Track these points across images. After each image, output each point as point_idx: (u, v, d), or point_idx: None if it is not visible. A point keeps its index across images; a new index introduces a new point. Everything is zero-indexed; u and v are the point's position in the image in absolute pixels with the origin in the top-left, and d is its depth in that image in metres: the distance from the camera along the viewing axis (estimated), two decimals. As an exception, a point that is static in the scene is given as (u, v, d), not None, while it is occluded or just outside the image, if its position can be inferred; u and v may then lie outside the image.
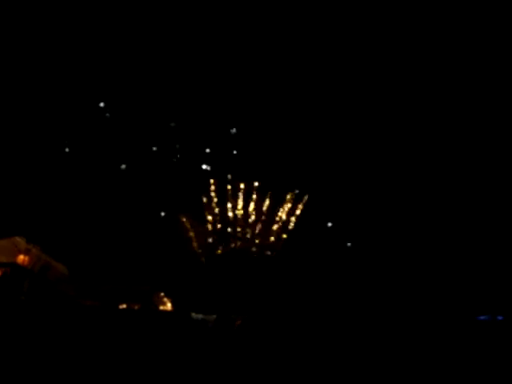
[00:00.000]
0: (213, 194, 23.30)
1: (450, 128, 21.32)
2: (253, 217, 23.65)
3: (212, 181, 23.26)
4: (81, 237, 20.91)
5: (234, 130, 24.00)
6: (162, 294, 21.78)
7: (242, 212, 23.63)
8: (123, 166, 23.28)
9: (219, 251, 23.36)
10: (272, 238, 23.68)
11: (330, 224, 23.28)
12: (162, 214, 24.06)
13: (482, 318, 15.61)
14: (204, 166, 24.03)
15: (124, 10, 21.25)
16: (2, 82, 20.70)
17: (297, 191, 23.72)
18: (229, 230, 23.66)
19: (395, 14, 21.08)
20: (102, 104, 22.19)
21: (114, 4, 21.07)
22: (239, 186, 23.38)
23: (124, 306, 18.83)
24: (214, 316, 14.76)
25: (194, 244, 23.46)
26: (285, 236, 23.68)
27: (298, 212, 23.73)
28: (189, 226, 23.40)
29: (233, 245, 23.52)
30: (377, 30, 21.34)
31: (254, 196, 23.62)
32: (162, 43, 22.11)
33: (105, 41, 21.54)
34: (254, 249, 23.37)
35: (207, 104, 22.99)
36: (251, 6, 21.36)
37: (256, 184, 23.36)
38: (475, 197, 20.93)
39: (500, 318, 15.39)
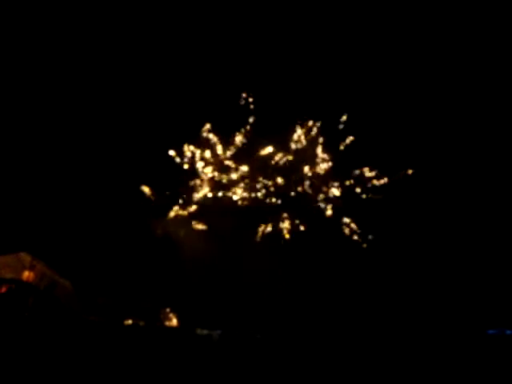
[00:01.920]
0: None
1: (450, 128, 21.25)
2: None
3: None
4: (86, 252, 20.88)
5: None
6: (168, 309, 21.71)
7: None
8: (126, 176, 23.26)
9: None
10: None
11: None
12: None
13: (491, 332, 15.47)
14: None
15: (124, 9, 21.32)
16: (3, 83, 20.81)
17: None
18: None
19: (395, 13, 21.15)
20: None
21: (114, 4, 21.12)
22: None
23: (129, 321, 18.78)
24: (219, 331, 14.70)
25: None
26: None
27: None
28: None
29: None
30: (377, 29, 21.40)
31: None
32: (163, 44, 22.13)
33: (105, 41, 21.59)
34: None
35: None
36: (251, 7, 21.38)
37: None
38: (486, 206, 20.78)
39: (509, 332, 15.24)
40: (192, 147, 22.12)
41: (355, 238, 21.44)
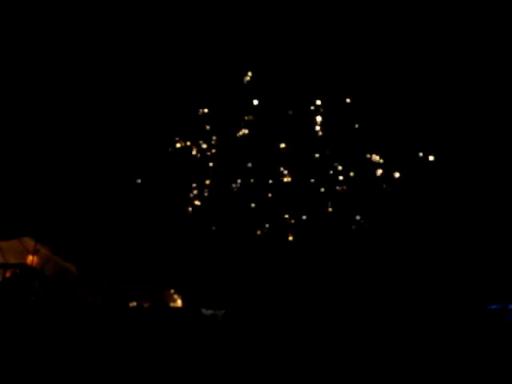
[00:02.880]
0: None
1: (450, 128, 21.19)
2: None
3: None
4: (89, 236, 20.98)
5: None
6: (172, 290, 21.88)
7: None
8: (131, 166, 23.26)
9: None
10: None
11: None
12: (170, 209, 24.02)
13: (493, 306, 15.51)
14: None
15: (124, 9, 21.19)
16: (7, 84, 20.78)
17: None
18: None
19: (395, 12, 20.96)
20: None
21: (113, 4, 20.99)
22: None
23: (134, 303, 18.93)
24: (223, 311, 14.79)
25: None
26: None
27: None
28: None
29: None
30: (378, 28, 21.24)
31: None
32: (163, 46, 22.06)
33: (105, 41, 21.50)
34: None
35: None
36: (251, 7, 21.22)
37: None
38: (489, 185, 20.77)
39: (512, 306, 15.29)
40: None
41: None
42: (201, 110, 22.53)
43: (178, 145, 22.73)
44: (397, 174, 21.54)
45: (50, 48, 21.14)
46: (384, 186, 21.66)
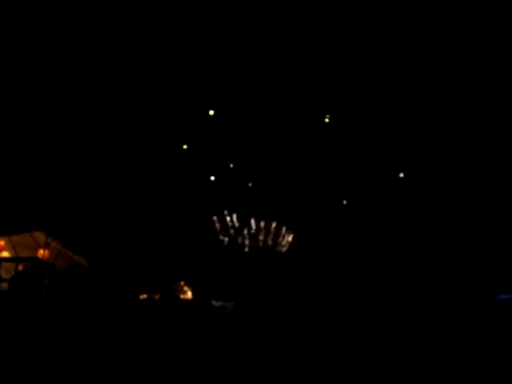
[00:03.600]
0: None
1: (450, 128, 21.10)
2: None
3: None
4: (100, 229, 21.12)
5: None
6: (183, 282, 21.99)
7: None
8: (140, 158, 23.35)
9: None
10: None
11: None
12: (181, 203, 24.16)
13: (502, 296, 15.47)
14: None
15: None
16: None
17: None
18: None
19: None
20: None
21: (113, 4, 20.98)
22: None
23: (145, 296, 19.07)
24: (233, 303, 14.89)
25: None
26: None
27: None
28: None
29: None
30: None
31: None
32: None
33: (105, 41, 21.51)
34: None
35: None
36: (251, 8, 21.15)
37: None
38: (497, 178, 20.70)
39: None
40: None
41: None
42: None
43: (185, 146, 22.92)
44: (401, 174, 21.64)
45: (61, 50, 21.20)
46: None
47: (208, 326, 10.30)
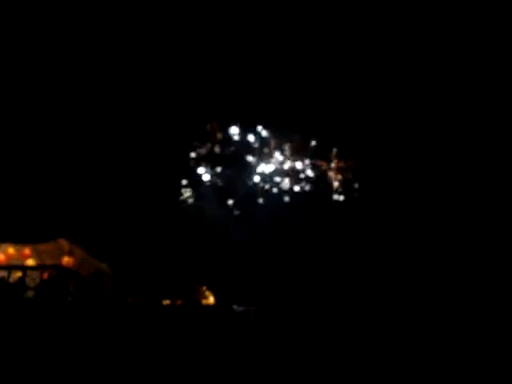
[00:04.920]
0: None
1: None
2: None
3: None
4: (122, 235, 21.30)
5: None
6: (205, 287, 22.05)
7: None
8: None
9: None
10: None
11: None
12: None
13: None
14: None
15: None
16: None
17: None
18: None
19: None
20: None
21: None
22: None
23: (167, 301, 19.17)
24: (255, 307, 14.90)
25: None
26: None
27: None
28: None
29: None
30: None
31: None
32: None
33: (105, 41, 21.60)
34: None
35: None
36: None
37: None
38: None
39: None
40: None
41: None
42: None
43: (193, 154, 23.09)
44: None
45: (61, 50, 21.32)
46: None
47: (230, 334, 10.35)
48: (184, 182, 24.15)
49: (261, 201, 23.39)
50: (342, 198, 23.20)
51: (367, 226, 21.73)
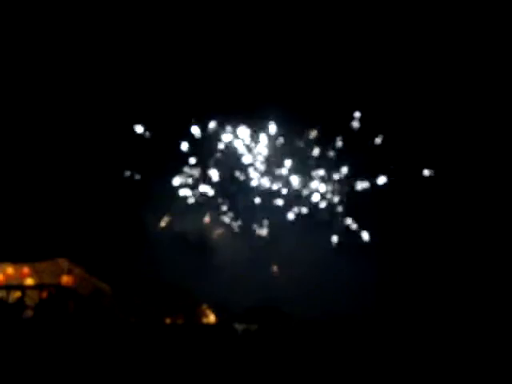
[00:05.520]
0: None
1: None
2: None
3: None
4: (121, 253, 21.21)
5: None
6: (205, 306, 21.92)
7: None
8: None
9: None
10: None
11: None
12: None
13: None
14: None
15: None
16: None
17: None
18: None
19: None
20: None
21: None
22: None
23: (168, 320, 19.04)
24: (256, 326, 14.79)
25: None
26: None
27: None
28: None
29: None
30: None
31: None
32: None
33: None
34: None
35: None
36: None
37: None
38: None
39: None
40: None
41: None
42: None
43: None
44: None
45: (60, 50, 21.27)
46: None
47: (231, 353, 10.24)
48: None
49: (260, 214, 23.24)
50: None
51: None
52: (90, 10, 21.13)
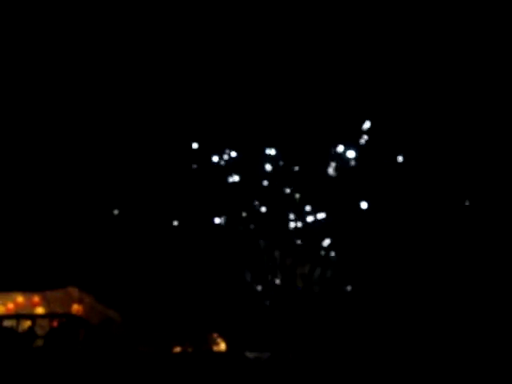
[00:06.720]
0: None
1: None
2: None
3: None
4: (132, 282, 21.17)
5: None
6: (216, 334, 21.73)
7: None
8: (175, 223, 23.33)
9: None
10: None
11: None
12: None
13: None
14: None
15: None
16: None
17: None
18: None
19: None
20: None
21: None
22: None
23: (178, 349, 18.88)
24: (268, 353, 14.63)
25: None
26: None
27: None
28: None
29: None
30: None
31: None
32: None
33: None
34: None
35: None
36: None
37: None
38: None
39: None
40: None
41: None
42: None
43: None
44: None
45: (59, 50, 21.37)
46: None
47: (242, 381, 10.14)
48: None
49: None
50: None
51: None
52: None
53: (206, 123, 22.17)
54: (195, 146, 22.16)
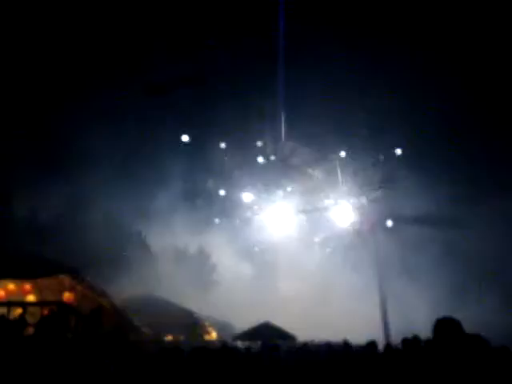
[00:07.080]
0: None
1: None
2: None
3: None
4: (123, 270, 21.19)
5: None
6: (207, 323, 21.80)
7: None
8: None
9: None
10: None
11: None
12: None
13: None
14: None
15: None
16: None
17: None
18: None
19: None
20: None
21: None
22: None
23: (169, 337, 18.94)
24: (260, 342, 14.65)
25: None
26: None
27: None
28: None
29: None
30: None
31: None
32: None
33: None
34: None
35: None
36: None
37: None
38: None
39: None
40: None
41: None
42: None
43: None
44: None
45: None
46: None
47: (234, 371, 10.12)
48: None
49: None
50: None
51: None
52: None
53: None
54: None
